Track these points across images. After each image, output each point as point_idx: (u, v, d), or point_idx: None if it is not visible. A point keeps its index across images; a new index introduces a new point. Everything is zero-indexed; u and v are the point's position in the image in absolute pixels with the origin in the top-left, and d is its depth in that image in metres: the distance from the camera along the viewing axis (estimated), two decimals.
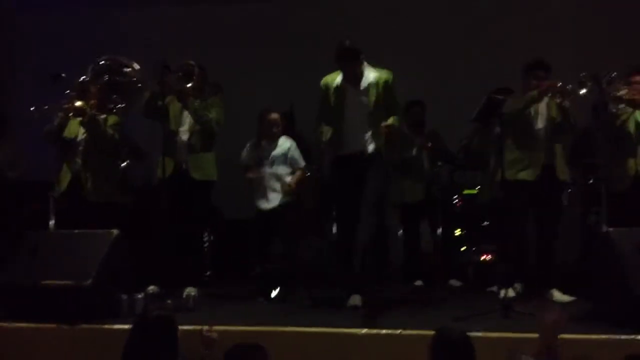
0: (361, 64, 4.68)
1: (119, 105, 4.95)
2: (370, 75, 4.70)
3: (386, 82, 4.69)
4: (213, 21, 7.37)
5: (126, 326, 3.39)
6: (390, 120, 4.61)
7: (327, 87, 4.80)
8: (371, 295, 4.64)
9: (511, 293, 4.68)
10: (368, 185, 4.66)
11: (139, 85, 4.88)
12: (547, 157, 4.91)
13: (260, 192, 5.29)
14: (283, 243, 5.45)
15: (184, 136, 5.11)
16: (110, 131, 5.04)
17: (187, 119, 5.12)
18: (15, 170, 5.91)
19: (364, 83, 4.70)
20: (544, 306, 2.79)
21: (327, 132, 4.80)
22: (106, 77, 4.88)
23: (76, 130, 5.09)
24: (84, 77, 4.92)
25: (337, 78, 4.78)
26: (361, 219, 4.63)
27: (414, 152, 5.72)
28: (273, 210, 5.25)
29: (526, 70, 4.99)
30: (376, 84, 4.68)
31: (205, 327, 3.14)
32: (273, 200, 5.24)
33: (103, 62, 4.88)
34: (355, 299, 4.58)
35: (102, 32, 7.23)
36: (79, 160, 5.04)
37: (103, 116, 5.06)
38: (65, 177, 5.06)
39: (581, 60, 6.07)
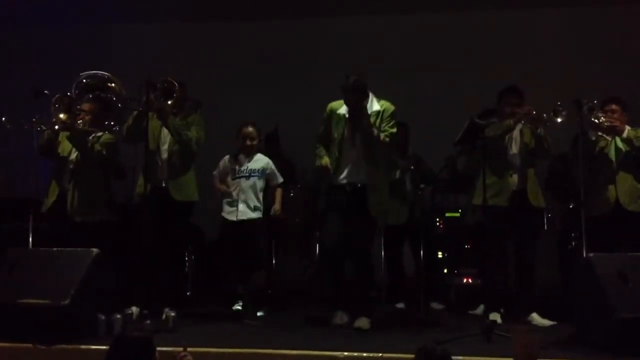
0: (366, 97, 4.72)
1: (111, 123, 4.95)
2: (375, 105, 4.76)
3: (385, 111, 4.74)
4: (198, 40, 7.38)
5: (104, 347, 3.34)
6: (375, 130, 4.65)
7: (331, 113, 4.84)
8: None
9: (497, 317, 4.70)
10: (359, 216, 4.71)
11: (123, 102, 4.86)
12: (520, 183, 4.96)
13: (229, 203, 5.19)
14: (258, 260, 5.40)
15: (164, 155, 5.10)
16: (98, 147, 5.02)
17: (167, 138, 5.10)
18: None
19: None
20: (515, 329, 2.78)
21: (322, 157, 4.81)
22: (90, 94, 4.87)
23: (69, 147, 5.07)
24: (68, 92, 4.90)
25: (342, 107, 4.81)
26: (352, 249, 4.74)
27: (397, 174, 5.73)
28: (241, 223, 5.14)
29: (500, 96, 5.05)
30: (378, 113, 4.74)
31: (180, 350, 3.09)
32: (242, 213, 5.13)
33: (87, 78, 4.86)
34: (363, 322, 4.59)
35: (86, 47, 7.22)
36: (67, 178, 5.00)
37: (99, 134, 5.06)
38: (52, 194, 5.04)
39: (565, 85, 6.16)
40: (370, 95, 4.77)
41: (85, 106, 5.03)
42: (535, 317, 4.83)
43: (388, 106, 4.79)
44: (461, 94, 6.67)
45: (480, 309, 5.21)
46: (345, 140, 4.77)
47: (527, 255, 4.98)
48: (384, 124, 4.74)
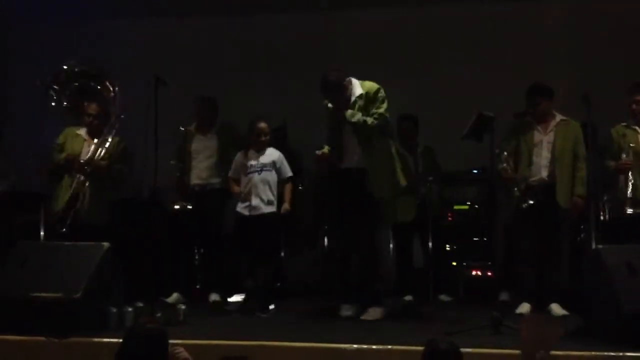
0: (344, 91, 4.75)
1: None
2: (357, 90, 4.79)
3: (367, 93, 4.76)
4: (206, 36, 7.37)
5: (116, 339, 3.38)
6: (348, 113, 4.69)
7: (326, 107, 4.90)
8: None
9: (526, 308, 4.83)
10: (361, 200, 4.72)
11: (113, 93, 4.88)
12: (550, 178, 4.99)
13: (243, 197, 5.24)
14: (271, 255, 5.44)
15: (203, 163, 5.55)
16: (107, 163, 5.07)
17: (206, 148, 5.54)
18: (6, 181, 5.88)
19: (352, 99, 4.78)
20: (525, 320, 2.78)
21: (322, 148, 4.90)
22: (76, 84, 4.88)
23: (79, 149, 5.08)
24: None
25: None
26: (355, 235, 4.76)
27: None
28: (255, 218, 5.19)
29: (527, 93, 5.05)
30: (360, 97, 4.76)
31: (179, 349, 3.08)
32: (256, 208, 5.18)
33: (75, 66, 4.88)
34: (376, 312, 4.70)
35: (95, 44, 7.22)
36: (76, 177, 5.00)
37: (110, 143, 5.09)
38: (65, 197, 5.03)
39: (574, 79, 6.13)
40: (354, 80, 4.81)
41: (92, 108, 5.05)
42: (554, 308, 4.83)
43: (371, 86, 4.79)
44: (469, 87, 6.65)
45: (505, 296, 5.25)
46: (338, 128, 4.84)
47: (554, 244, 5.01)
48: (370, 106, 4.74)
